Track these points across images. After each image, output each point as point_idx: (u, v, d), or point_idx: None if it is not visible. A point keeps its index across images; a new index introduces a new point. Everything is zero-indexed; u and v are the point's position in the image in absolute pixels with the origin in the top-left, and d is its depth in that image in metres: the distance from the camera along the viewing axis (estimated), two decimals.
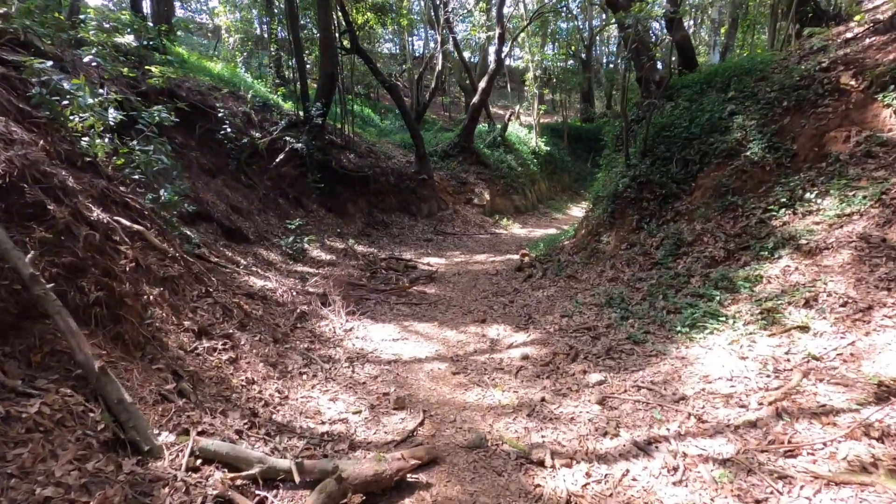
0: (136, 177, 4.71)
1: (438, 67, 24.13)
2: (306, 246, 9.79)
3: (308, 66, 20.96)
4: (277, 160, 11.52)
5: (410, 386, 4.15)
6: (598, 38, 34.69)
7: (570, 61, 28.90)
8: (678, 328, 4.78)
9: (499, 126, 20.20)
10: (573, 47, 28.48)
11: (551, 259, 9.05)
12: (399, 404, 3.76)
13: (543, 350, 4.94)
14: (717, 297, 4.95)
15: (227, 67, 14.81)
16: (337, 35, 13.21)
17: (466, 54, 24.69)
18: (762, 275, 4.92)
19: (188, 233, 5.26)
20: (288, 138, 11.81)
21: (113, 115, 5.24)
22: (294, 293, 5.92)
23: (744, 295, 4.82)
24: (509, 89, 29.26)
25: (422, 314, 6.28)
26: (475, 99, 17.27)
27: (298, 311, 5.34)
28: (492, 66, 16.71)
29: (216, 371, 3.41)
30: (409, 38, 34.93)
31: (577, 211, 20.31)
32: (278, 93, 14.70)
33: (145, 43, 10.42)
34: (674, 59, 10.91)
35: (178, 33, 26.72)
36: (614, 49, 40.97)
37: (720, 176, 6.85)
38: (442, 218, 14.93)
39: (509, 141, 19.91)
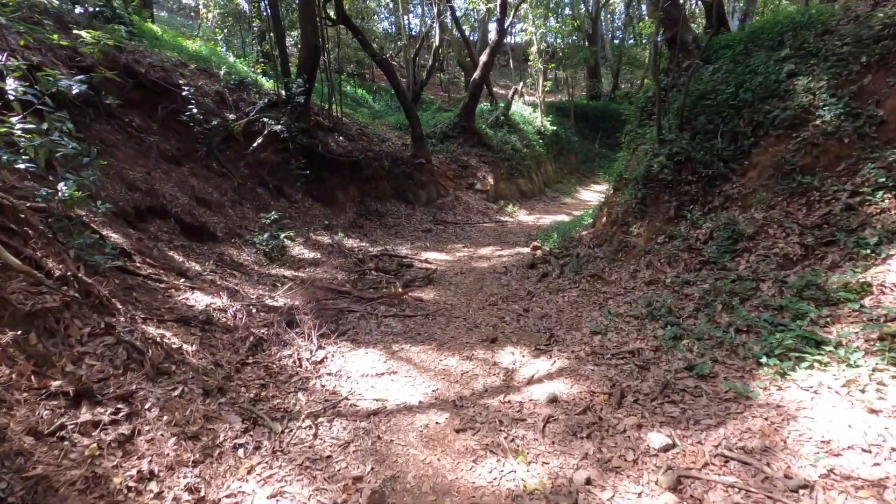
0: (23, 165, 3.45)
1: (436, 43, 22.58)
2: (286, 243, 8.54)
3: (293, 43, 19.47)
4: (255, 145, 10.22)
5: (395, 460, 2.88)
6: (603, 11, 32.88)
7: (575, 35, 27.19)
8: (759, 357, 3.54)
9: (501, 105, 18.75)
10: (577, 22, 26.77)
11: (568, 253, 7.79)
12: (375, 502, 2.54)
13: (576, 387, 3.71)
14: (810, 313, 3.69)
15: (206, 46, 13.40)
16: (320, 2, 11.76)
17: (465, 29, 23.06)
18: (869, 282, 3.66)
19: (103, 238, 4.02)
20: (267, 120, 10.49)
21: (12, 86, 3.98)
22: (252, 311, 4.70)
23: (847, 310, 3.57)
24: (512, 66, 27.59)
25: (416, 331, 5.05)
26: (476, 74, 15.82)
27: (253, 338, 4.12)
28: (494, 37, 15.23)
29: (86, 467, 2.21)
30: (405, 17, 33.13)
31: (588, 194, 18.98)
32: (258, 70, 13.28)
33: (93, 10, 9.08)
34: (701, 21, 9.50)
35: (161, 13, 25.15)
36: (619, 24, 39.08)
37: (782, 151, 5.55)
38: (442, 205, 13.65)
39: (513, 120, 18.49)
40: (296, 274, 7.09)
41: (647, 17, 33.78)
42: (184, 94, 9.04)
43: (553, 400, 3.52)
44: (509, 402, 3.55)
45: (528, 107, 21.74)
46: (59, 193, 3.54)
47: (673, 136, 6.68)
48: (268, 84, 12.27)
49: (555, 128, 21.16)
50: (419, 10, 34.15)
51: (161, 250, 5.41)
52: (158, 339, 3.27)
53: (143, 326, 3.37)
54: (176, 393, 2.88)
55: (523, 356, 4.38)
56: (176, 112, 9.13)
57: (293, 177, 10.97)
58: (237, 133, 10.11)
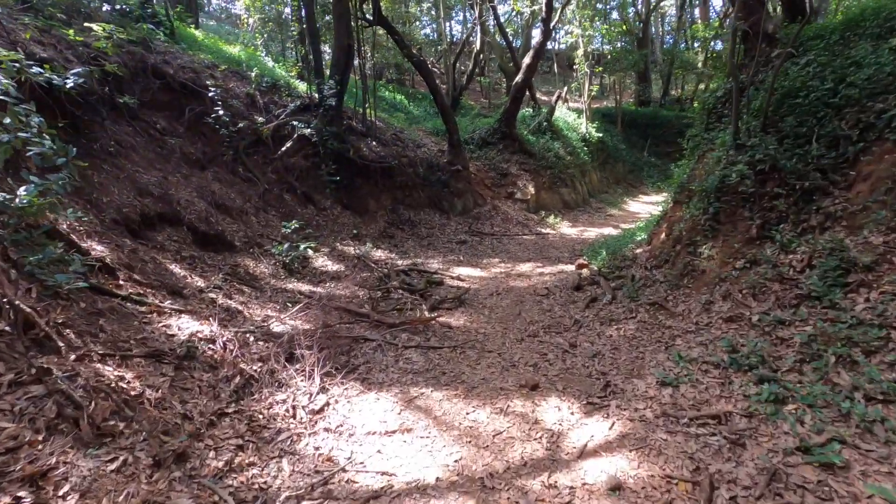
0: None
1: (477, 47, 21.91)
2: (309, 253, 7.95)
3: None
4: (283, 149, 9.76)
5: None
6: (653, 14, 31.28)
7: (624, 40, 25.83)
8: None
9: (544, 110, 17.80)
10: (625, 26, 25.38)
11: (621, 274, 6.80)
12: None
13: (645, 466, 2.80)
14: None
15: (246, 51, 13.20)
16: (356, 2, 11.27)
17: (508, 32, 22.24)
18: None
19: (75, 252, 3.44)
20: (297, 123, 10.04)
21: None
22: (249, 340, 4.02)
23: None
24: (556, 71, 26.54)
25: (441, 369, 4.22)
26: (518, 78, 14.97)
27: (241, 377, 3.41)
28: (538, 38, 14.37)
29: None
30: (447, 23, 32.62)
31: (636, 206, 17.71)
32: (292, 73, 12.93)
33: (123, 7, 8.85)
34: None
35: (210, 23, 25.65)
36: (669, 28, 37.15)
37: None
38: (478, 215, 12.84)
39: (556, 126, 17.50)
40: (314, 290, 6.44)
41: (699, 21, 31.97)
42: (210, 94, 8.67)
43: (615, 487, 2.62)
44: (555, 485, 2.67)
45: (572, 112, 20.67)
46: (17, 199, 2.97)
47: (755, 140, 5.61)
48: (301, 87, 11.87)
49: (600, 135, 19.98)
50: (461, 17, 33.72)
51: (159, 263, 4.86)
52: (114, 385, 2.62)
53: (98, 366, 2.73)
54: (113, 466, 2.18)
55: (572, 412, 3.48)
56: (203, 115, 8.77)
57: (323, 183, 10.45)
58: (266, 137, 9.69)
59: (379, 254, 9.30)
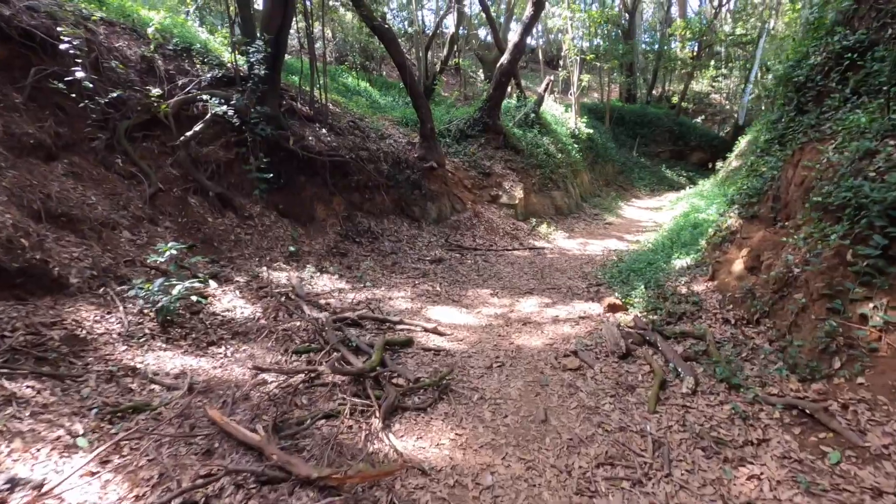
0: None
1: (452, 29, 19.40)
2: (212, 287, 5.26)
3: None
4: (189, 133, 6.98)
5: None
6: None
7: (613, 33, 23.79)
8: None
9: (531, 100, 15.46)
10: (612, 11, 23.33)
11: (687, 331, 4.41)
12: None
13: None
14: None
15: (172, 19, 9.94)
16: None
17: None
18: None
19: None
20: (211, 98, 7.26)
21: None
22: None
23: None
24: (541, 67, 24.26)
25: None
26: (504, 59, 12.54)
27: None
28: (529, 10, 11.95)
29: None
30: (419, 11, 29.92)
31: (632, 212, 15.59)
32: (216, 37, 10.05)
33: None
34: None
35: None
36: (646, 26, 35.40)
37: None
38: (457, 224, 10.33)
39: (544, 120, 15.18)
40: (191, 367, 3.77)
41: (678, 19, 30.51)
42: (63, 48, 5.83)
43: None
44: None
45: (559, 105, 18.42)
46: None
47: None
48: (228, 56, 9.01)
49: (590, 131, 17.82)
50: (433, 5, 31.09)
51: None
52: None
53: None
54: None
55: None
56: (61, 79, 5.93)
57: (249, 182, 7.73)
58: (165, 116, 6.89)
59: (323, 282, 6.66)
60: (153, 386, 3.39)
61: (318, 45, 11.78)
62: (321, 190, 8.76)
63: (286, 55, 14.24)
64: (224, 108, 7.04)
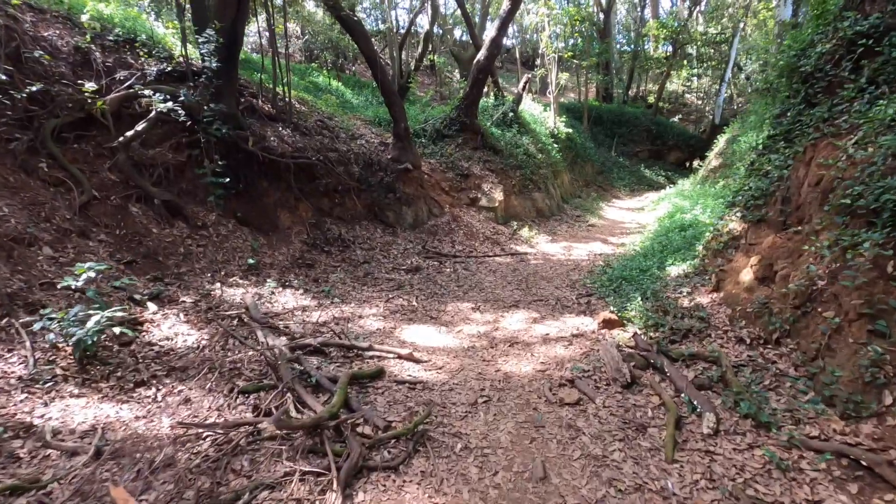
0: None
1: (426, 27, 18.80)
2: (149, 312, 4.52)
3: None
4: (129, 134, 6.17)
5: None
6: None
7: (585, 33, 23.53)
8: None
9: (509, 99, 14.96)
10: (588, 8, 23.08)
11: (699, 354, 3.89)
12: None
13: None
14: None
15: (125, 12, 8.92)
16: None
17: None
18: None
19: None
20: (155, 94, 6.45)
21: None
22: None
23: None
24: (518, 64, 23.83)
25: None
26: (480, 55, 11.98)
27: None
28: (506, 5, 11.42)
29: None
30: (393, 11, 29.25)
31: (614, 213, 15.23)
32: (167, 27, 9.18)
33: None
34: None
35: None
36: (620, 28, 35.41)
37: None
38: (434, 229, 9.71)
39: (523, 119, 14.71)
40: (107, 418, 3.05)
41: (650, 20, 30.60)
42: None
43: None
44: None
45: (537, 104, 17.99)
46: None
47: None
48: (182, 51, 8.17)
49: (569, 130, 17.45)
50: (407, 3, 30.44)
51: None
52: None
53: None
54: None
55: None
56: None
57: (203, 188, 6.96)
58: (102, 114, 6.08)
59: (286, 298, 5.96)
60: (49, 451, 2.67)
61: (285, 41, 11.03)
62: (285, 195, 8.03)
63: (249, 51, 13.38)
64: (170, 104, 6.25)
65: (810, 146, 4.23)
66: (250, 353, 4.14)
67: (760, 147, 5.19)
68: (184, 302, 5.07)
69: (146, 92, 6.32)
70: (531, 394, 3.65)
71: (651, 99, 26.35)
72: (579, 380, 3.77)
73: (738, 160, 13.08)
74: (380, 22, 29.05)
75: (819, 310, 3.38)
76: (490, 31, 11.93)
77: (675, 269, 5.84)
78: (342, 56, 22.76)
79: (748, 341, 3.79)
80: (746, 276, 4.41)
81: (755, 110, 15.99)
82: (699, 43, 26.13)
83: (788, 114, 4.77)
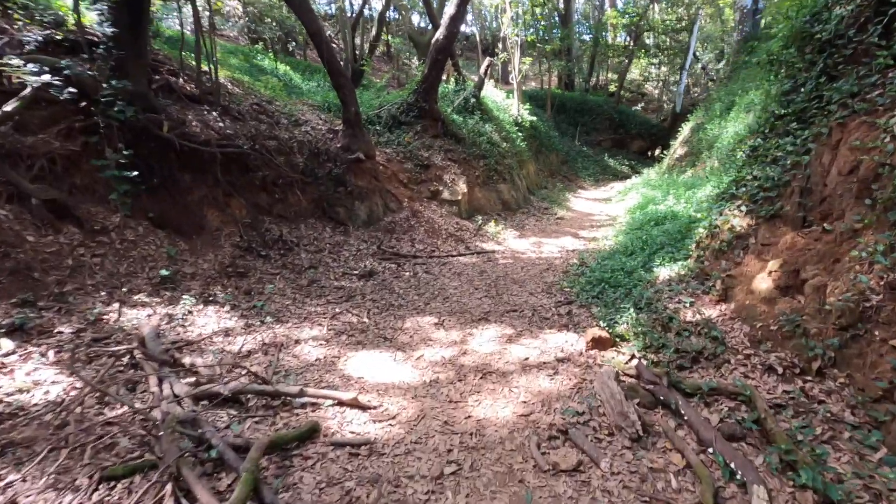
0: None
1: (380, 7, 17.56)
2: (2, 351, 3.34)
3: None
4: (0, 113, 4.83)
5: None
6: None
7: (546, 20, 22.79)
8: None
9: (471, 83, 14.02)
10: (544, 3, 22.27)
11: (719, 387, 3.12)
12: None
13: None
14: None
15: None
16: None
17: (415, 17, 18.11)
18: None
19: None
20: (22, 64, 5.10)
21: None
22: None
23: None
24: (479, 51, 22.85)
25: None
26: (439, 34, 10.97)
27: None
28: None
29: None
30: None
31: (582, 204, 14.64)
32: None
33: None
34: None
35: None
36: (579, 17, 35.01)
37: None
38: (392, 226, 8.70)
39: (486, 105, 13.82)
40: None
41: (609, 9, 30.34)
42: None
43: None
44: None
45: (500, 91, 17.14)
46: None
47: None
48: (83, 18, 6.71)
49: (533, 118, 16.73)
50: None
51: None
52: None
53: None
54: None
55: None
56: None
57: (105, 182, 5.67)
58: None
59: (205, 319, 4.84)
60: None
61: (209, 11, 9.62)
62: (213, 190, 6.81)
63: (189, 33, 11.80)
64: (46, 77, 4.95)
65: (837, 126, 3.51)
66: (125, 410, 3.05)
67: (766, 130, 4.47)
68: (59, 333, 3.89)
69: (14, 62, 4.97)
70: (514, 454, 2.75)
71: (613, 88, 26.06)
72: (574, 429, 2.91)
73: (708, 148, 12.69)
74: (332, 4, 27.39)
75: (876, 333, 2.63)
76: (449, 9, 10.92)
77: (665, 271, 5.10)
78: (291, 38, 21.18)
79: (780, 371, 3.04)
80: (763, 283, 3.66)
81: (719, 97, 15.72)
82: (658, 32, 26.00)
83: (802, 89, 4.05)
